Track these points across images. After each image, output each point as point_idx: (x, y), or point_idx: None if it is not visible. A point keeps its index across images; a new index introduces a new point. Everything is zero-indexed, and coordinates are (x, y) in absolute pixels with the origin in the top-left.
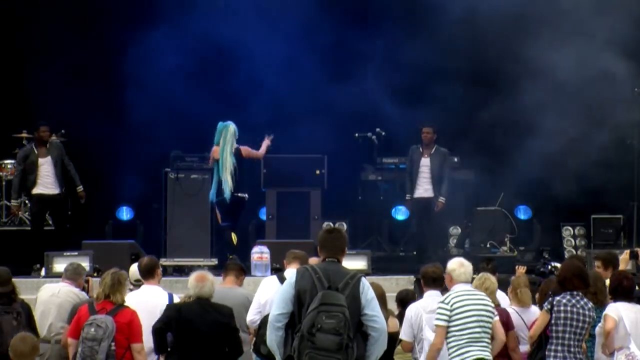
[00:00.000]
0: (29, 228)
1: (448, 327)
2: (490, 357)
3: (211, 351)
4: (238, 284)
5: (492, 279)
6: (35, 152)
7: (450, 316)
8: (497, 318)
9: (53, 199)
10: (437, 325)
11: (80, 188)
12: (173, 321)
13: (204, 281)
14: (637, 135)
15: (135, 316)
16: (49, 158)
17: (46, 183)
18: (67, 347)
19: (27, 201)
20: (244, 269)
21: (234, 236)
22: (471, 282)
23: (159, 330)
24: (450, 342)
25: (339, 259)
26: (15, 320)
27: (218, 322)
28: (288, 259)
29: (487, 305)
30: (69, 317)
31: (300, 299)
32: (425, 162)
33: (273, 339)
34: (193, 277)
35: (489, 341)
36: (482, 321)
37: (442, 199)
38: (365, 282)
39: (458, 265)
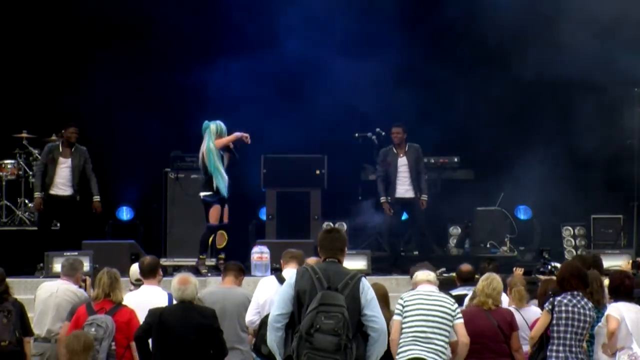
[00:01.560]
0: (29, 228)
1: (402, 322)
2: (436, 358)
3: (196, 355)
4: (237, 284)
5: (498, 279)
6: (60, 150)
7: (402, 312)
8: (459, 321)
9: (64, 201)
10: (393, 320)
11: (97, 198)
12: (154, 327)
13: (187, 284)
14: (637, 135)
15: (134, 315)
16: (69, 160)
17: (59, 184)
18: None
19: (26, 201)
20: (243, 269)
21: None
22: (437, 283)
23: (139, 338)
24: (400, 338)
25: (339, 259)
26: (6, 318)
27: (201, 325)
28: (285, 259)
29: (444, 307)
30: (69, 316)
31: (300, 300)
32: (402, 162)
33: (273, 339)
34: (175, 280)
35: (443, 343)
36: (434, 322)
37: (424, 197)
38: (365, 283)
39: (420, 273)
